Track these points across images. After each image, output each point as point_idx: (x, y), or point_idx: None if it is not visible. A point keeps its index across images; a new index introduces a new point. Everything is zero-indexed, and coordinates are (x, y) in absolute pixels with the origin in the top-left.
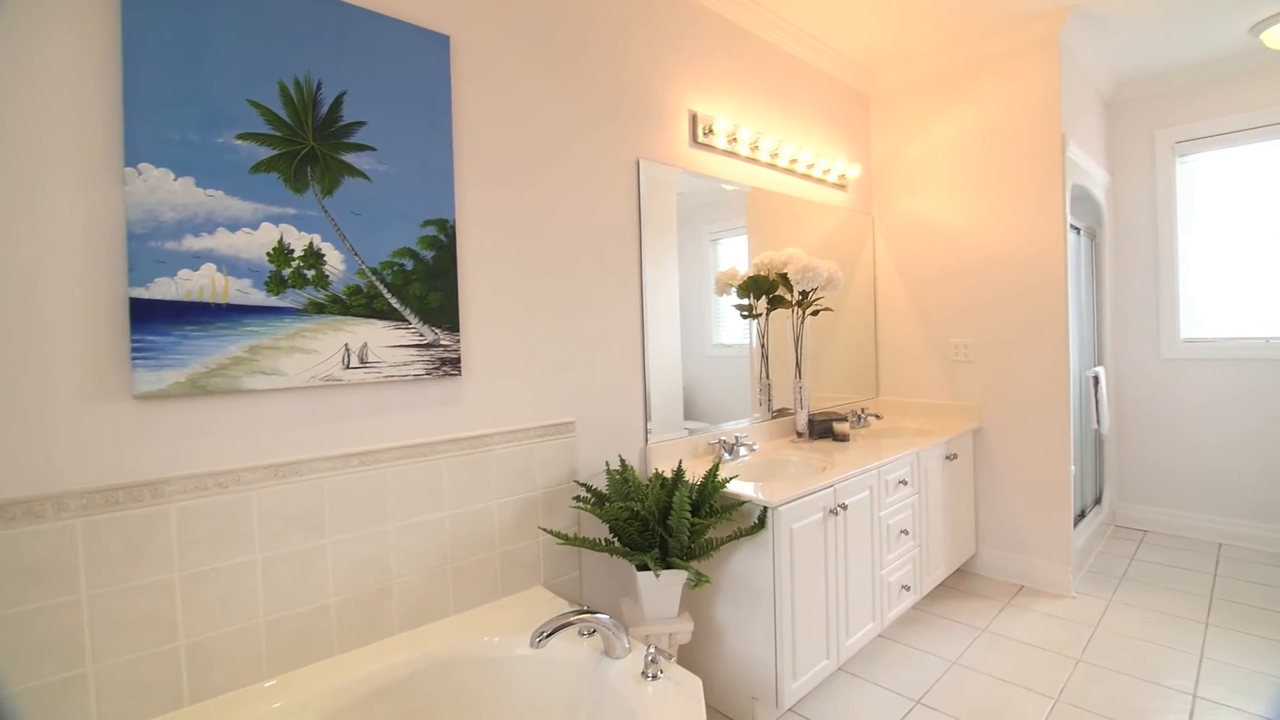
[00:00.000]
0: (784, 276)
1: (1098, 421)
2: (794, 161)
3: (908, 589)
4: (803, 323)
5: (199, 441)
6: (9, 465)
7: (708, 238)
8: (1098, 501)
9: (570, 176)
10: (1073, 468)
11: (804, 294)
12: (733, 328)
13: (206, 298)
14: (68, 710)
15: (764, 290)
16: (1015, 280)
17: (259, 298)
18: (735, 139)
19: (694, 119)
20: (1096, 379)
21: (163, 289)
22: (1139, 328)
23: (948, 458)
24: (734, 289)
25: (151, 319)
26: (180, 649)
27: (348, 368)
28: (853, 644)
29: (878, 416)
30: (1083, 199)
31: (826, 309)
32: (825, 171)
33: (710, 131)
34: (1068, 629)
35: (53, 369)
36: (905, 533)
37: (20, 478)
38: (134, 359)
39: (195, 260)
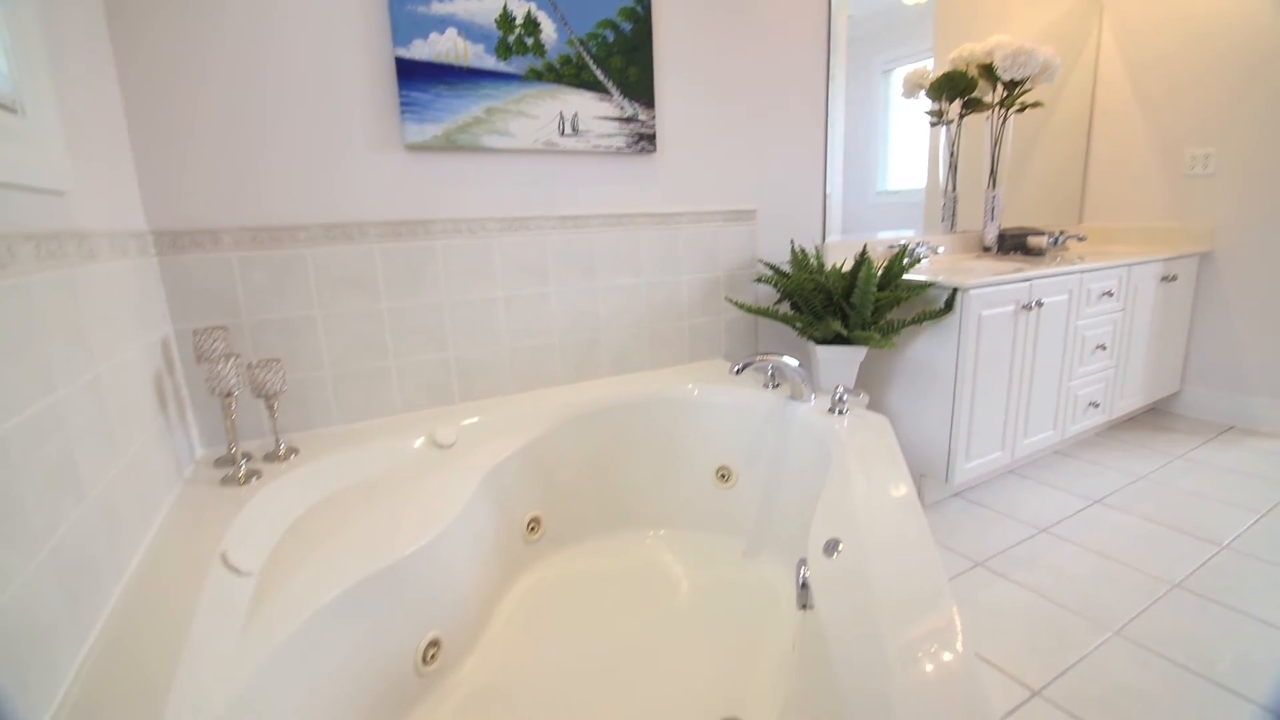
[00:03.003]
0: (987, 68)
1: None
2: None
3: (1096, 406)
4: (1004, 123)
5: (453, 189)
6: (328, 199)
7: (879, 69)
8: None
9: None
10: None
11: (1010, 89)
12: (900, 174)
13: (452, 60)
14: (382, 391)
15: (959, 90)
16: None
17: (491, 63)
18: None
19: None
20: None
21: (418, 50)
22: None
23: (1165, 278)
24: (923, 91)
25: (413, 77)
26: (450, 359)
27: (562, 134)
28: (1029, 444)
29: (1080, 238)
30: None
31: (1037, 104)
32: None
33: None
34: None
35: (349, 121)
36: (1102, 348)
37: (336, 208)
38: (403, 113)
39: (441, 24)
